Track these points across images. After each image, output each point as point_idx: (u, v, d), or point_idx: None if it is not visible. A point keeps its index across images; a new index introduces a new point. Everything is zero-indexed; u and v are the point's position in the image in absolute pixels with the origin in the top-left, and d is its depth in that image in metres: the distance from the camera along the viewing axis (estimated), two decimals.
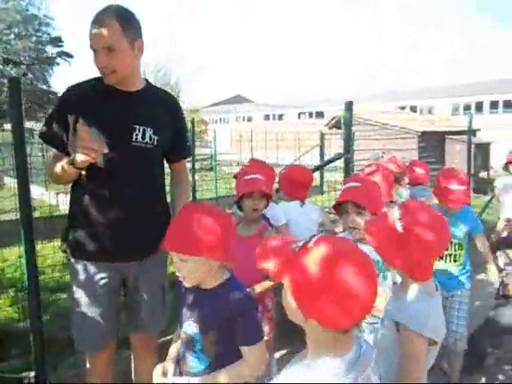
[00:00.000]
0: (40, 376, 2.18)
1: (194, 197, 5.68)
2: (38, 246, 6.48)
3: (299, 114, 33.90)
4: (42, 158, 12.48)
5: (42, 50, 26.88)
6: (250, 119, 36.35)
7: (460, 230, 2.80)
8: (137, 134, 1.84)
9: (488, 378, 3.10)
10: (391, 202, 2.84)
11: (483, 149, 11.09)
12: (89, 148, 1.63)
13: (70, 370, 2.46)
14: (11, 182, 12.93)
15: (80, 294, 1.88)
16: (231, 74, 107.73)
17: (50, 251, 5.75)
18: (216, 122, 35.84)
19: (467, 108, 25.75)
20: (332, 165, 6.27)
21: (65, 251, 1.93)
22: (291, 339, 2.83)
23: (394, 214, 1.50)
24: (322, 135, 10.67)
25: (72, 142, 1.70)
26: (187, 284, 1.49)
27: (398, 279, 1.77)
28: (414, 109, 26.69)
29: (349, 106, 3.52)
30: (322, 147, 10.46)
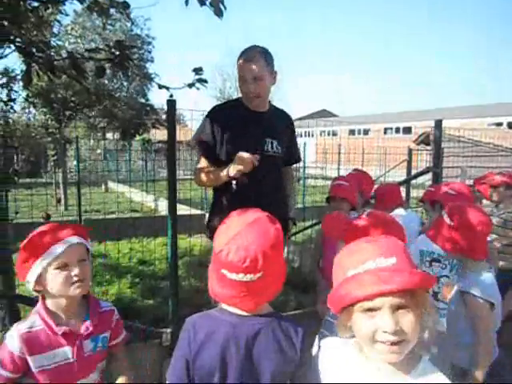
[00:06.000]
0: (175, 332, 2.74)
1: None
2: (144, 242, 7.43)
3: (385, 129, 33.35)
4: (143, 162, 13.86)
5: (143, 66, 29.26)
6: (334, 134, 36.40)
7: None
8: (267, 146, 2.35)
9: None
10: None
11: None
12: (246, 162, 2.11)
13: None
14: (114, 186, 14.51)
15: None
16: (317, 88, 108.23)
17: (157, 247, 6.63)
18: (301, 135, 36.34)
19: None
20: (420, 182, 6.43)
21: (207, 235, 2.48)
22: None
23: (443, 214, 1.99)
24: (410, 151, 10.66)
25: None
26: None
27: None
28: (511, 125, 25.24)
29: (438, 124, 3.80)
30: (409, 163, 10.41)
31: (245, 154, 2.12)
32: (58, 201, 11.69)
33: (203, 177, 2.38)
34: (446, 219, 1.96)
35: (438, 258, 2.53)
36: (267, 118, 2.42)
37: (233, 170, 2.15)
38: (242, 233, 1.24)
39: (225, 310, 1.35)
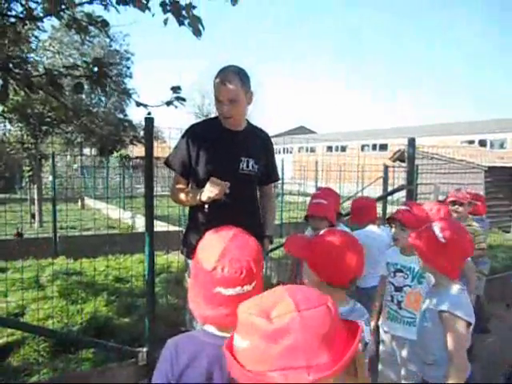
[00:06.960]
0: (151, 351, 2.71)
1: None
2: (121, 259, 7.32)
3: (362, 146, 33.91)
4: (120, 179, 13.78)
5: (121, 82, 29.14)
6: (312, 150, 36.82)
7: None
8: (243, 164, 2.37)
9: None
10: None
11: None
12: (217, 190, 2.10)
13: None
14: (91, 203, 14.31)
15: None
16: (295, 105, 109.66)
17: (134, 264, 6.53)
18: (279, 152, 36.57)
19: None
20: (396, 198, 6.55)
21: (182, 252, 2.48)
22: None
23: (435, 229, 1.97)
24: (386, 168, 10.82)
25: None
26: None
27: (431, 281, 2.22)
28: (483, 143, 26.01)
29: (411, 142, 3.90)
30: (385, 180, 10.57)
31: (217, 181, 2.13)
32: (33, 216, 11.46)
33: (178, 196, 2.41)
34: (438, 235, 1.96)
35: (400, 269, 2.66)
36: (243, 136, 2.43)
37: (204, 195, 2.17)
38: (228, 248, 1.27)
39: (208, 331, 1.33)
